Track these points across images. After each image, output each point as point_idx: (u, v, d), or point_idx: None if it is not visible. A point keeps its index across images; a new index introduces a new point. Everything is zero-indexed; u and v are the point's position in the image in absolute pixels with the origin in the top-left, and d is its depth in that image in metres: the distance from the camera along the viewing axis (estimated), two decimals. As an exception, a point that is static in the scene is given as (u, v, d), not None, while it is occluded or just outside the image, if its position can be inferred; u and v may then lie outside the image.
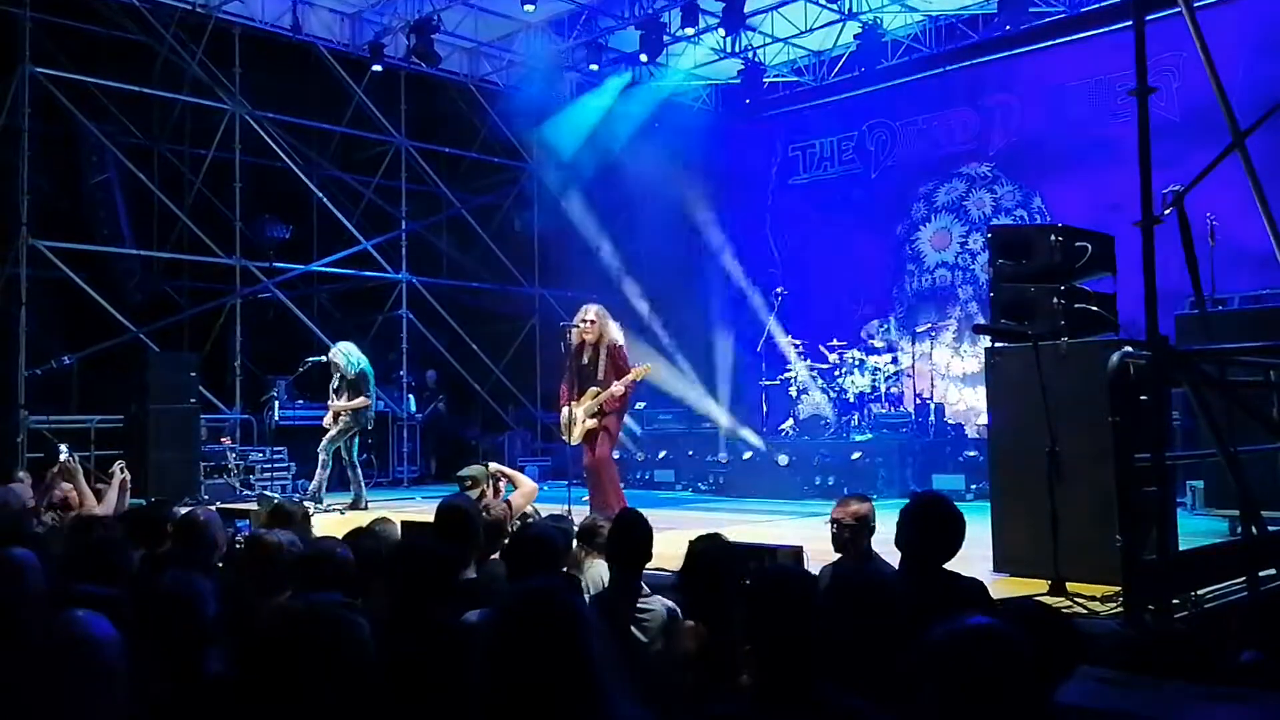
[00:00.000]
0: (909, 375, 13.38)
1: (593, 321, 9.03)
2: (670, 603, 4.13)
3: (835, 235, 16.10)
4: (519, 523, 5.53)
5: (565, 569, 4.66)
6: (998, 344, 6.55)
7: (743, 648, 2.88)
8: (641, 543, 4.33)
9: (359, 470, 11.15)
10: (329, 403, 11.05)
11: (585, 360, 9.02)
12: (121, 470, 7.85)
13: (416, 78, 15.61)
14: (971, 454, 11.67)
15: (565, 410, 9.10)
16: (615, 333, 9.12)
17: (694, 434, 13.96)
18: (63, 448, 8.86)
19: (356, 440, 11.17)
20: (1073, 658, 2.88)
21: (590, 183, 16.60)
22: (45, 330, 12.70)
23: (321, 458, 10.90)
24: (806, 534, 6.99)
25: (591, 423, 8.92)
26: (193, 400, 12.67)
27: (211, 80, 13.85)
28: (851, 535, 4.74)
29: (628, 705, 2.23)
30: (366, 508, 10.68)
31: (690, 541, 4.22)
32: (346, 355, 11.01)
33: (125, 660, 2.24)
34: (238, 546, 5.36)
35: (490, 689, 2.11)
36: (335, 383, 11.02)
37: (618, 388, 8.83)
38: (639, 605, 4.10)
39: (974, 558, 6.60)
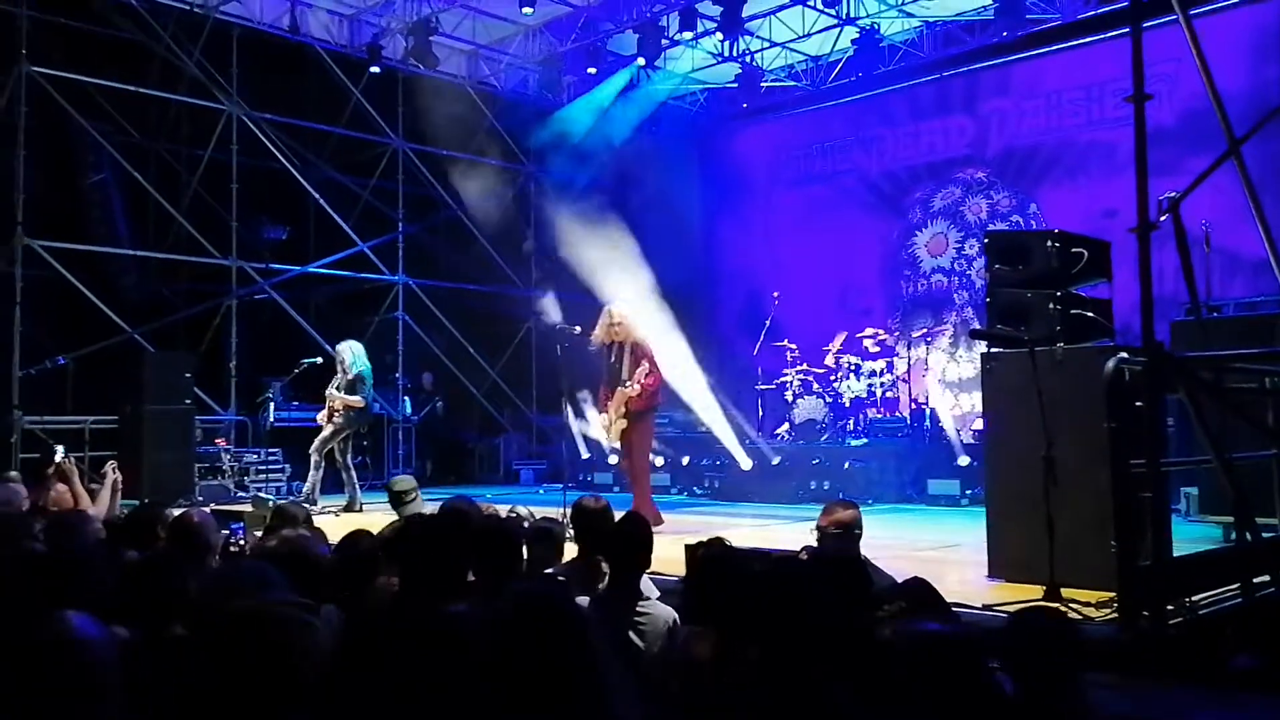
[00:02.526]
0: (904, 380, 13.39)
1: (619, 324, 9.00)
2: (669, 609, 4.13)
3: (831, 240, 16.11)
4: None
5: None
6: (994, 349, 6.55)
7: (745, 650, 2.90)
8: (641, 548, 4.32)
9: (353, 472, 11.14)
10: (327, 392, 11.05)
11: (613, 360, 9.00)
12: (113, 470, 7.84)
13: (414, 79, 15.61)
14: (966, 459, 11.68)
15: (602, 417, 9.16)
16: (641, 330, 9.10)
17: (689, 438, 13.95)
18: (58, 448, 8.83)
19: (350, 442, 11.16)
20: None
21: (587, 186, 16.62)
22: (40, 330, 12.66)
23: (314, 459, 10.90)
24: (802, 539, 6.98)
25: (622, 422, 8.92)
26: (188, 401, 12.65)
27: (209, 80, 13.84)
28: (828, 539, 4.75)
29: (630, 706, 2.23)
30: (361, 510, 10.67)
31: (688, 546, 4.22)
32: (354, 353, 11.07)
33: (117, 661, 2.22)
34: (232, 550, 5.35)
35: (494, 690, 2.11)
36: (337, 380, 11.05)
37: (633, 387, 8.77)
38: (638, 609, 4.10)
39: (969, 563, 6.64)
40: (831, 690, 2.48)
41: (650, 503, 9.00)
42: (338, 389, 11.02)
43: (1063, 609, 5.10)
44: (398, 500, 7.52)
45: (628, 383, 8.83)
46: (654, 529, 8.00)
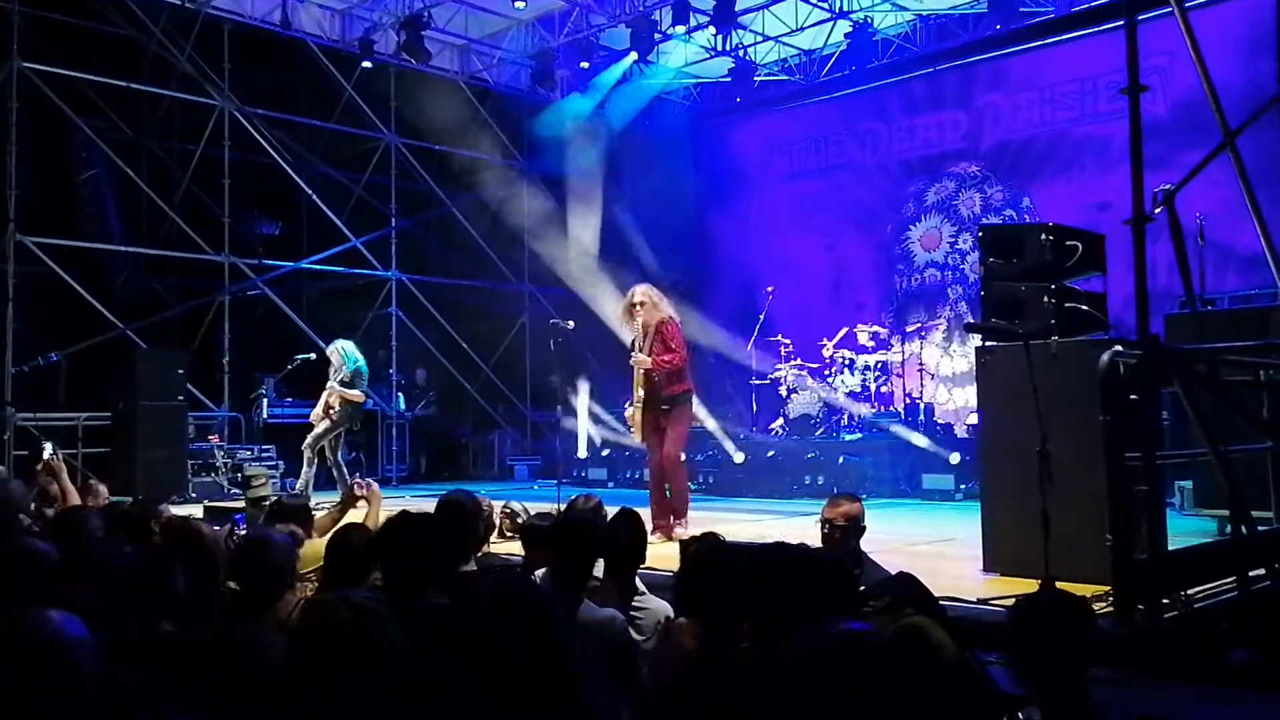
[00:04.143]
0: (898, 375, 13.39)
1: (641, 304, 8.09)
2: (664, 602, 4.12)
3: (825, 234, 16.11)
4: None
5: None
6: (988, 343, 6.54)
7: (731, 642, 2.89)
8: (635, 545, 4.30)
9: (344, 469, 11.11)
10: (329, 384, 11.00)
11: (640, 346, 8.10)
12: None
13: (407, 74, 15.58)
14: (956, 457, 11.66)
15: (629, 409, 8.29)
16: (666, 310, 8.19)
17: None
18: (47, 445, 8.80)
19: (341, 439, 11.13)
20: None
21: (580, 181, 16.63)
22: (32, 326, 12.63)
23: (307, 455, 10.88)
24: (796, 533, 6.97)
25: (638, 408, 8.03)
26: (181, 398, 12.62)
27: (200, 76, 13.81)
28: (842, 535, 4.73)
29: (602, 694, 2.23)
30: (360, 506, 10.62)
31: (683, 542, 4.20)
32: (345, 353, 11.03)
33: (98, 663, 2.20)
34: (234, 541, 5.31)
35: (466, 680, 2.11)
36: (332, 378, 11.01)
37: (643, 358, 7.89)
38: (634, 604, 4.09)
39: (964, 558, 6.64)
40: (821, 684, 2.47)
41: (682, 511, 8.02)
42: (340, 383, 10.99)
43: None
44: (246, 484, 8.08)
45: (637, 355, 7.99)
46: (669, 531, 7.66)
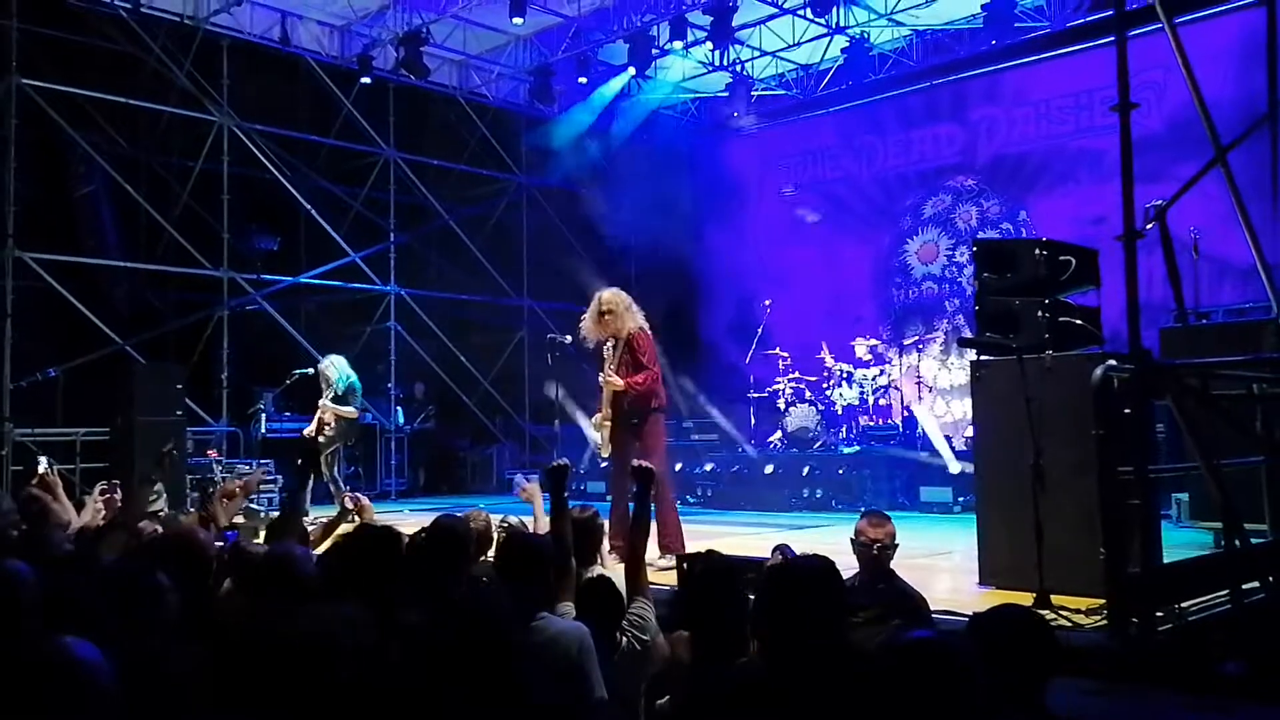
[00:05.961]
0: (896, 388, 13.41)
1: (608, 312, 7.58)
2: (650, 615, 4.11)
3: (822, 248, 16.14)
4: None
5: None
6: (983, 357, 6.57)
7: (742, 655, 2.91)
8: (614, 605, 4.14)
9: (340, 484, 11.09)
10: (320, 403, 10.98)
11: (607, 359, 7.60)
12: (99, 495, 7.47)
13: (405, 90, 15.63)
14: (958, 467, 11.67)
15: (595, 419, 7.83)
16: (636, 319, 7.64)
17: (681, 446, 13.94)
18: (42, 460, 8.77)
19: (337, 455, 11.12)
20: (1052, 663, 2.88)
21: (578, 195, 16.68)
22: (30, 342, 12.62)
23: (303, 469, 10.86)
24: (796, 546, 6.98)
25: (607, 425, 7.55)
26: (179, 412, 12.58)
27: (199, 92, 13.85)
28: (882, 553, 4.68)
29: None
30: (352, 520, 10.61)
31: (680, 558, 4.20)
32: (337, 369, 11.02)
33: (114, 686, 2.21)
34: (224, 557, 5.32)
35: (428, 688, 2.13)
36: (327, 393, 11.01)
37: (613, 378, 7.40)
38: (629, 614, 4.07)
39: (961, 570, 6.65)
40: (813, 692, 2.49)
41: (676, 527, 7.43)
42: (332, 401, 10.99)
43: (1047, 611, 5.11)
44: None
45: (608, 376, 7.47)
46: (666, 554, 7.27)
